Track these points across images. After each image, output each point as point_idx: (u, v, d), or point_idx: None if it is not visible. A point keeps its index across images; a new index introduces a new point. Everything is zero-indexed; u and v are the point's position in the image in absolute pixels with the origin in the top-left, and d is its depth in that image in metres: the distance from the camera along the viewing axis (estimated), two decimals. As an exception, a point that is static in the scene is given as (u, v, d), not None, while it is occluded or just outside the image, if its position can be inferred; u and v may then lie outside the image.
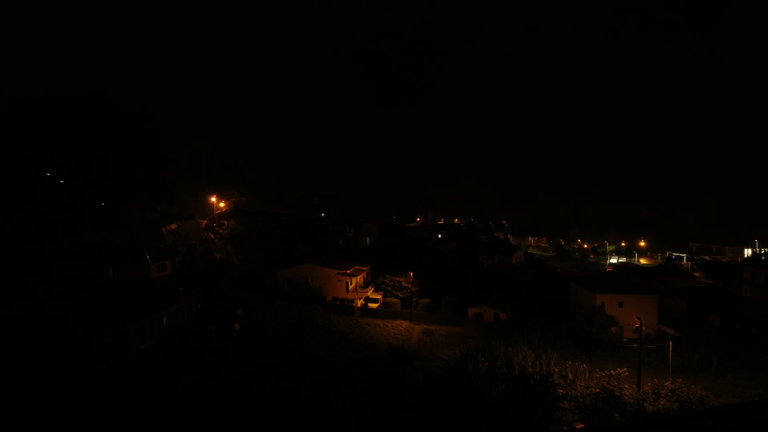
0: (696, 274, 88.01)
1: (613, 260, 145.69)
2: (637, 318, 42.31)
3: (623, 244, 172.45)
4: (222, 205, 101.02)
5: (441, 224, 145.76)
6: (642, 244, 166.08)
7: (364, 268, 67.77)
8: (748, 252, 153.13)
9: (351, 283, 61.50)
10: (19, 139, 67.36)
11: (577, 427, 27.34)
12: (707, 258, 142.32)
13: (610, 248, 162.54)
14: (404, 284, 63.33)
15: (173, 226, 76.61)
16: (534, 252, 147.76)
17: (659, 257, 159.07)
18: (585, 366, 38.50)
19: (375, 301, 61.06)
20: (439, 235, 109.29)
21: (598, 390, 31.94)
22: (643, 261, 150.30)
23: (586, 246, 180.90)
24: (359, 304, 59.02)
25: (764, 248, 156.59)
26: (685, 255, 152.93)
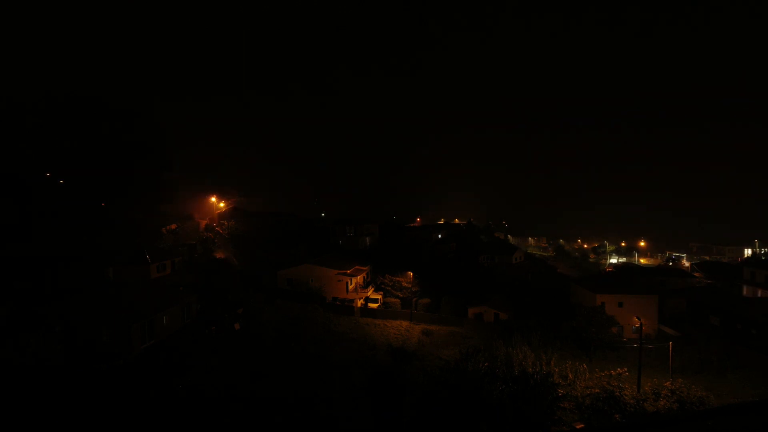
0: (696, 274, 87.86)
1: (613, 260, 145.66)
2: (637, 318, 42.31)
3: (623, 244, 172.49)
4: (222, 205, 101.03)
5: (441, 224, 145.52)
6: (642, 244, 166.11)
7: (364, 268, 67.75)
8: (748, 252, 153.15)
9: (351, 283, 61.48)
10: (21, 140, 67.34)
11: (577, 427, 27.29)
12: (707, 258, 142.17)
13: (610, 248, 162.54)
14: (404, 284, 63.32)
15: (173, 226, 76.62)
16: (534, 252, 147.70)
17: (659, 257, 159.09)
18: (585, 366, 38.44)
19: (375, 301, 61.02)
20: (439, 235, 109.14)
21: (598, 390, 31.84)
22: (643, 261, 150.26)
23: (586, 246, 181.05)
24: (359, 304, 58.99)
25: (764, 248, 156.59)
26: (685, 255, 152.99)
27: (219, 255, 70.65)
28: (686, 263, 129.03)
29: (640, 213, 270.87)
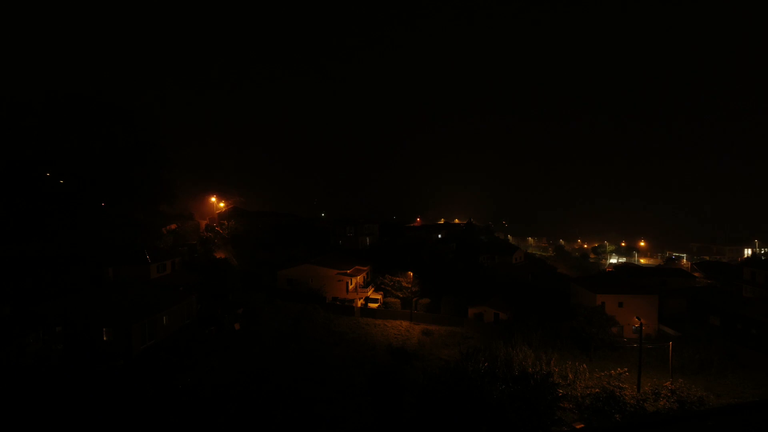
0: (696, 274, 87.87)
1: (613, 260, 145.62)
2: (637, 318, 42.29)
3: (623, 244, 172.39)
4: (222, 205, 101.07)
5: (441, 224, 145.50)
6: (642, 244, 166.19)
7: (364, 268, 67.74)
8: (748, 252, 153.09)
9: (351, 283, 61.48)
10: (20, 140, 67.31)
11: (577, 427, 27.33)
12: (707, 258, 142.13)
13: (610, 248, 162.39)
14: (404, 284, 63.29)
15: (173, 226, 76.60)
16: (534, 252, 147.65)
17: (659, 257, 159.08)
18: (585, 366, 38.41)
19: (375, 301, 61.02)
20: (439, 235, 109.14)
21: (598, 390, 31.89)
22: (643, 261, 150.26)
23: (586, 246, 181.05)
24: (359, 304, 59.00)
25: (764, 248, 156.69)
26: (685, 255, 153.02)
27: (219, 255, 70.65)
28: (686, 263, 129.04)
29: (640, 212, 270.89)
